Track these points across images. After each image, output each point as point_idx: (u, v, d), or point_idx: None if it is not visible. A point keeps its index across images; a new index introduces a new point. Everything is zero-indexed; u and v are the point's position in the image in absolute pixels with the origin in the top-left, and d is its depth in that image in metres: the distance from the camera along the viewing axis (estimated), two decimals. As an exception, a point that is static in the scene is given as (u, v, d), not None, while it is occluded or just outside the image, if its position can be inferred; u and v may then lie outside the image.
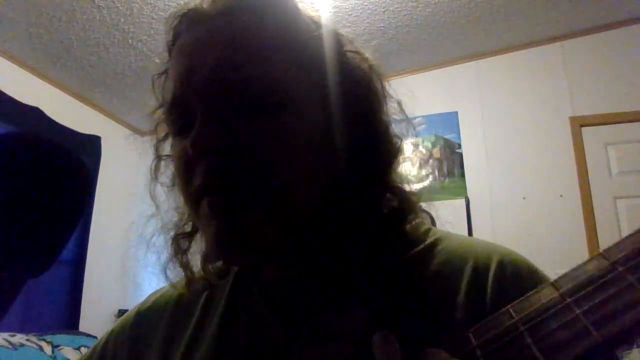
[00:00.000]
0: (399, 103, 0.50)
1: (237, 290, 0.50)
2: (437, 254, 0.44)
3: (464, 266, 0.42)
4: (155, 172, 0.52)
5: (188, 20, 0.45)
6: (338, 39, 0.47)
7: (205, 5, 0.44)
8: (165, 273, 0.52)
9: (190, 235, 0.51)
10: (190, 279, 0.51)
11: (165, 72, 0.48)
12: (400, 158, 0.47)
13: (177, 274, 0.51)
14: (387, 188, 0.46)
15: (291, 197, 0.40)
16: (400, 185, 0.46)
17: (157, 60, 0.50)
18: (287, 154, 0.40)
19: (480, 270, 0.41)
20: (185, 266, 0.51)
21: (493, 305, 0.38)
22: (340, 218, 0.43)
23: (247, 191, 0.39)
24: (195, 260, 0.51)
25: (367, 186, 0.44)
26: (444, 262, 0.43)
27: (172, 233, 0.51)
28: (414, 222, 0.46)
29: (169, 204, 0.52)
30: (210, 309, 0.50)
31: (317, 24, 0.46)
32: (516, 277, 0.40)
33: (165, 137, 0.51)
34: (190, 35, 0.43)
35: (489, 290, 0.40)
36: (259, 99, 0.40)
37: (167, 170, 0.52)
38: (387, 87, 0.49)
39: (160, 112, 0.50)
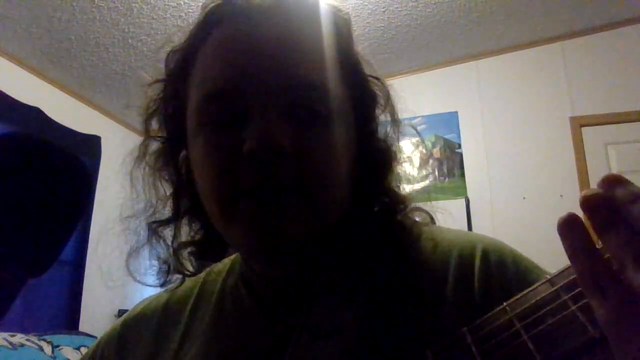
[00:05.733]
0: (413, 126, 0.53)
1: (225, 294, 0.50)
2: (422, 247, 0.44)
3: (449, 257, 0.43)
4: (144, 152, 0.50)
5: (237, 8, 0.43)
6: (365, 63, 0.49)
7: None
8: (128, 265, 0.50)
9: (167, 224, 0.50)
10: (164, 271, 0.50)
11: (188, 51, 0.46)
12: (395, 165, 0.49)
13: (141, 266, 0.50)
14: (382, 190, 0.48)
15: (331, 204, 0.42)
16: (393, 187, 0.48)
17: (177, 35, 0.48)
18: (335, 162, 0.42)
19: (465, 260, 0.42)
20: (160, 258, 0.50)
21: (480, 294, 0.39)
22: (344, 219, 0.44)
23: (295, 194, 0.39)
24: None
25: (367, 191, 0.47)
26: (430, 255, 0.44)
27: (148, 219, 0.50)
28: (402, 218, 0.47)
29: (148, 189, 0.50)
30: (198, 314, 0.50)
31: (355, 46, 0.49)
32: (501, 264, 0.41)
33: (152, 115, 0.50)
34: (246, 26, 0.42)
35: (475, 279, 0.40)
36: (317, 105, 0.41)
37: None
38: (397, 113, 0.51)
39: (156, 88, 0.49)
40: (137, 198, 0.51)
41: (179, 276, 0.51)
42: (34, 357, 1.93)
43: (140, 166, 0.50)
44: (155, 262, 0.50)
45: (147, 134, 0.51)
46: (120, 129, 3.46)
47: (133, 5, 2.31)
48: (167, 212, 0.50)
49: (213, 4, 0.45)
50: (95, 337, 2.53)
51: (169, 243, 0.50)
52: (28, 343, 1.97)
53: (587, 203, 0.26)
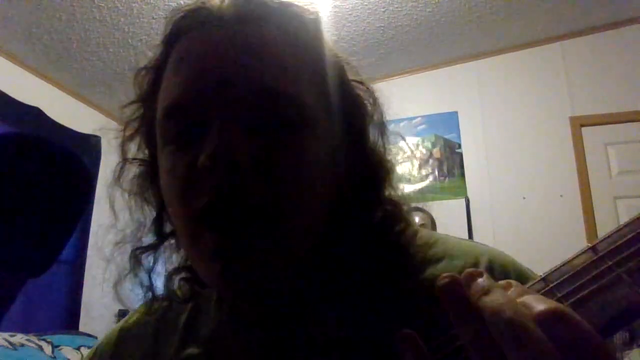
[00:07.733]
0: (402, 137, 0.50)
1: (223, 304, 0.48)
2: (425, 258, 0.43)
3: (452, 268, 0.41)
4: (120, 176, 0.48)
5: (198, 19, 0.41)
6: (347, 67, 0.46)
7: (220, 7, 0.41)
8: (117, 292, 0.48)
9: (150, 250, 0.47)
10: (151, 299, 0.48)
11: (156, 67, 0.44)
12: (389, 176, 0.46)
13: (129, 293, 0.48)
14: (379, 202, 0.45)
15: (304, 221, 0.39)
16: (391, 197, 0.45)
17: (149, 53, 0.45)
18: (305, 175, 0.38)
19: None
20: (145, 285, 0.47)
21: None
22: (336, 232, 0.42)
23: (261, 218, 0.36)
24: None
25: (362, 205, 0.44)
26: (433, 266, 0.43)
27: (131, 246, 0.47)
28: (402, 228, 0.45)
29: (130, 213, 0.47)
30: (195, 324, 0.48)
31: (333, 50, 0.45)
32: (504, 278, 0.40)
33: (132, 137, 0.48)
34: (206, 36, 0.40)
35: None
36: (284, 115, 0.38)
37: (131, 175, 0.48)
38: (386, 117, 0.47)
39: (131, 108, 0.47)
40: (117, 223, 0.48)
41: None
42: (34, 357, 1.93)
43: (121, 191, 0.48)
44: (139, 290, 0.48)
45: (124, 157, 0.48)
46: (121, 129, 3.46)
47: (133, 5, 2.31)
48: (150, 238, 0.48)
49: (175, 18, 0.42)
50: (95, 337, 2.52)
51: (151, 269, 0.48)
52: (28, 343, 1.97)
53: (444, 289, 0.28)
